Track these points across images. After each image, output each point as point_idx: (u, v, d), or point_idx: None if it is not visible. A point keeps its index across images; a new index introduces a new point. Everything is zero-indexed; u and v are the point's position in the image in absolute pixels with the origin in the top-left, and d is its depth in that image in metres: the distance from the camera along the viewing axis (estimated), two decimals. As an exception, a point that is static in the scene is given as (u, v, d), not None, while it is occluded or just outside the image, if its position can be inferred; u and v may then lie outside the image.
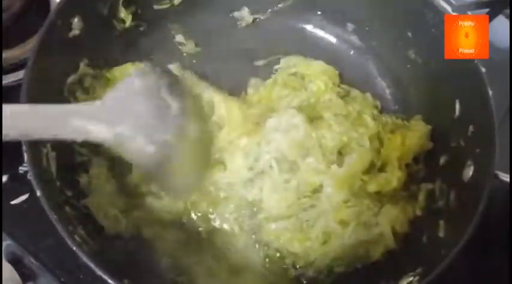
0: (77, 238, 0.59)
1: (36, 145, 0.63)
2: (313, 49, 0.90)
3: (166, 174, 0.67)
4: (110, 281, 0.56)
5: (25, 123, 0.55)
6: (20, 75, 0.77)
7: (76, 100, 0.75)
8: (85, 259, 0.56)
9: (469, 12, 0.91)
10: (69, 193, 0.67)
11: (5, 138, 0.53)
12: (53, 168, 0.66)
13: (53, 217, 0.57)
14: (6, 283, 0.71)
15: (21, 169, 0.78)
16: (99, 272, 0.56)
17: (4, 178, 0.78)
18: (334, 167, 0.73)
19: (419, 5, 0.77)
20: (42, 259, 0.73)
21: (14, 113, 0.54)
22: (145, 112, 0.63)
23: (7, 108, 0.53)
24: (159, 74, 0.67)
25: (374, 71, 0.91)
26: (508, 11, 0.94)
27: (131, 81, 0.64)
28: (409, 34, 0.82)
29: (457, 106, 0.74)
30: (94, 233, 0.66)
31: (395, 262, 0.70)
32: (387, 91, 0.89)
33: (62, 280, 0.72)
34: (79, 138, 0.58)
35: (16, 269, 0.72)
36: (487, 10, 0.92)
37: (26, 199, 0.77)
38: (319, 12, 0.91)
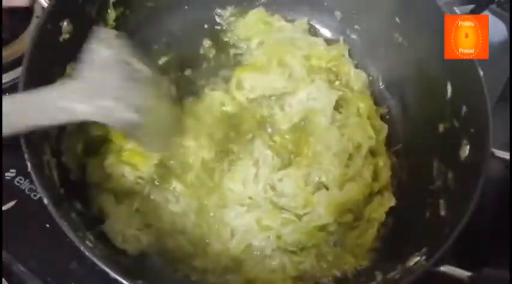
0: (88, 244, 0.58)
1: (36, 153, 0.62)
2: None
3: (146, 133, 0.67)
4: (125, 282, 0.55)
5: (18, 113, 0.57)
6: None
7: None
8: (99, 263, 0.56)
9: (455, 8, 0.92)
10: (74, 200, 0.67)
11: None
12: (55, 175, 0.65)
13: (63, 224, 0.56)
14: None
15: (8, 175, 0.77)
16: (114, 275, 0.55)
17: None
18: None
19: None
20: (31, 266, 0.70)
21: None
22: (119, 80, 0.63)
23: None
24: (120, 39, 0.67)
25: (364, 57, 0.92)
26: (494, 6, 0.97)
27: (97, 50, 0.63)
28: (397, 19, 0.83)
29: (449, 87, 0.75)
30: (102, 238, 0.66)
31: (400, 243, 0.72)
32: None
33: (52, 287, 0.71)
34: (68, 119, 0.59)
35: (4, 277, 0.69)
36: (472, 6, 0.93)
37: (13, 206, 0.74)
38: (306, 2, 0.92)
